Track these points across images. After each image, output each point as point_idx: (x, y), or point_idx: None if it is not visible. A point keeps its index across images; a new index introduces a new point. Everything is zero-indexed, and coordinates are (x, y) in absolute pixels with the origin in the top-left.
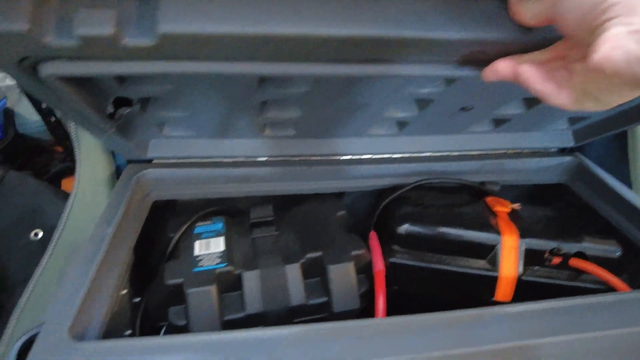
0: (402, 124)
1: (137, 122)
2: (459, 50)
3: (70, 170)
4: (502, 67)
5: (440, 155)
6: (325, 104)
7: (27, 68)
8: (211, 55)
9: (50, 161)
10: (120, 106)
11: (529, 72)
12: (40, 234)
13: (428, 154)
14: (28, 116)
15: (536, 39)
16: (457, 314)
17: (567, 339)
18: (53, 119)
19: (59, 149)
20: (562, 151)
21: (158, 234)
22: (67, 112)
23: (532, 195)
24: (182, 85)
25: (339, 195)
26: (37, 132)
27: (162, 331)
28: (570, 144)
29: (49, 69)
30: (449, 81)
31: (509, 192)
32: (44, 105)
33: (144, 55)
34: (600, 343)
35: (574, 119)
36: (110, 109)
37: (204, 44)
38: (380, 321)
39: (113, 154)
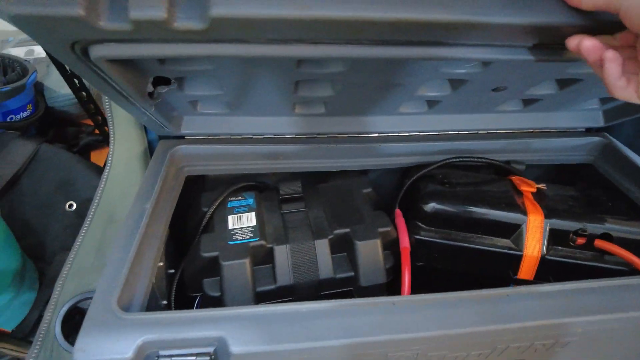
0: (432, 103)
1: (172, 100)
2: (506, 35)
3: (98, 143)
4: (587, 48)
5: (467, 134)
6: (359, 83)
7: (77, 51)
8: (257, 38)
9: (78, 134)
10: (158, 85)
11: (614, 60)
12: (75, 206)
13: (455, 132)
14: (57, 89)
15: (595, 23)
16: (484, 292)
17: (592, 320)
18: (84, 94)
19: (87, 121)
20: (590, 131)
21: (191, 208)
22: (110, 93)
23: (559, 175)
24: (221, 65)
25: (365, 172)
26: (65, 105)
27: (197, 302)
28: (600, 123)
29: (99, 52)
30: (486, 63)
31: (535, 171)
32: (75, 80)
33: (193, 38)
34: (623, 324)
35: (605, 99)
36: (150, 88)
37: (253, 27)
38: (410, 298)
39: (145, 130)
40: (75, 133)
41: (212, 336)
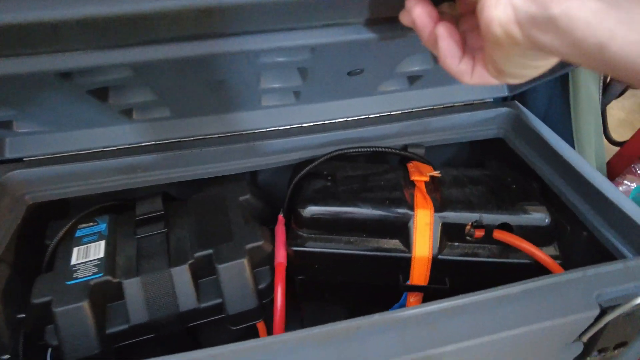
0: (296, 94)
1: None
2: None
3: None
4: (419, 16)
5: (357, 120)
6: (176, 84)
7: None
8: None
9: None
10: None
11: (448, 37)
12: None
13: (342, 120)
14: None
15: None
16: (328, 328)
17: (471, 344)
18: None
19: None
20: (503, 101)
21: (38, 242)
22: None
23: (473, 154)
24: None
25: (244, 176)
26: None
27: (49, 351)
28: (504, 92)
29: None
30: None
31: (447, 152)
32: None
33: None
34: (518, 340)
35: None
36: None
37: None
38: (228, 348)
39: None
40: None
41: None
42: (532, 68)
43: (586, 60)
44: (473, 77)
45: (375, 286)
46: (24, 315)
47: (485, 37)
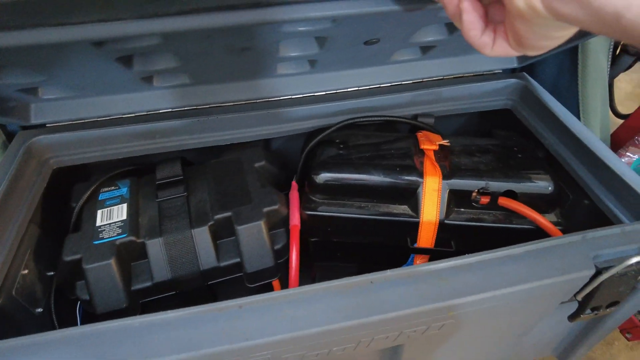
0: (312, 62)
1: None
2: None
3: None
4: None
5: (370, 90)
6: (200, 51)
7: None
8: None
9: None
10: None
11: (473, 11)
12: None
13: (355, 89)
14: None
15: None
16: (344, 281)
17: (462, 302)
18: None
19: None
20: (513, 72)
21: (63, 204)
22: None
23: (481, 124)
24: (20, 52)
25: (259, 142)
26: None
27: (78, 305)
28: (514, 64)
29: None
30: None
31: (453, 122)
32: None
33: None
34: (513, 298)
35: None
36: None
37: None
38: (259, 297)
39: None
40: None
41: None
42: (552, 39)
43: (604, 28)
44: (494, 49)
45: (384, 248)
46: (53, 272)
47: (508, 9)
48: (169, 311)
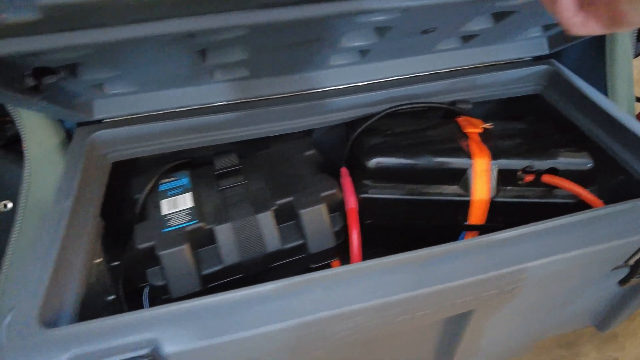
0: (364, 52)
1: (71, 87)
2: None
3: None
4: None
5: (408, 78)
6: (273, 43)
7: None
8: (115, 20)
9: (3, 125)
10: (43, 75)
11: None
12: (10, 205)
13: (394, 78)
14: None
15: None
16: (419, 253)
17: (535, 265)
18: None
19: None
20: (539, 59)
21: (124, 196)
22: None
23: (510, 109)
24: (103, 48)
25: (308, 133)
26: None
27: (145, 291)
28: (545, 50)
29: None
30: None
31: (485, 108)
32: None
33: (37, 30)
34: (575, 262)
35: (547, 26)
36: (30, 82)
37: (95, 10)
38: (345, 269)
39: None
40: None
41: (145, 339)
42: None
43: None
44: (584, 27)
45: (434, 228)
46: (117, 262)
47: None
48: (262, 285)
